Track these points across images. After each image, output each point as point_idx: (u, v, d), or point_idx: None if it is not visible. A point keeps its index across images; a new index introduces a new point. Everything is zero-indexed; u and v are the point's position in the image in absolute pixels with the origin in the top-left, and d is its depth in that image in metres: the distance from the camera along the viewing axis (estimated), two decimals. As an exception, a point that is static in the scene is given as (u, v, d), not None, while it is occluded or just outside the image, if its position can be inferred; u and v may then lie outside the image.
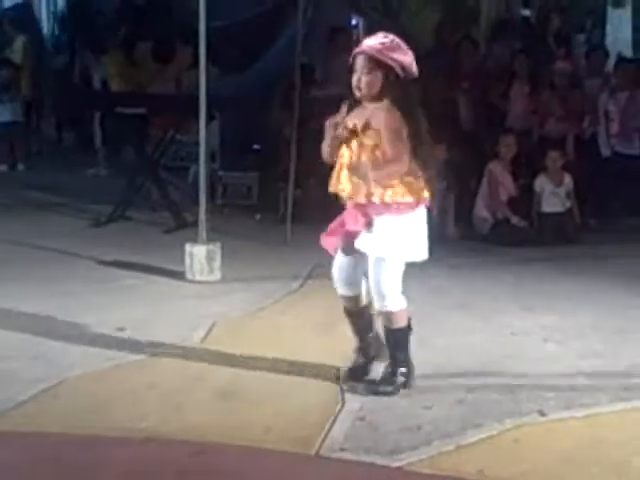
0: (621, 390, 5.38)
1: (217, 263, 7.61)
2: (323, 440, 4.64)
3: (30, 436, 4.70)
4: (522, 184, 9.74)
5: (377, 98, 5.18)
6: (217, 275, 7.63)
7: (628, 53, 14.45)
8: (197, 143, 7.96)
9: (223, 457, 4.55)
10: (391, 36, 5.23)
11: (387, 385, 5.26)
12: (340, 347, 5.81)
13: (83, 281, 7.51)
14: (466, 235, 9.46)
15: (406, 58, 5.19)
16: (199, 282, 7.52)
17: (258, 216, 10.02)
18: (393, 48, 5.16)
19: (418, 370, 5.48)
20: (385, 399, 5.17)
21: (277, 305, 6.99)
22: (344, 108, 5.26)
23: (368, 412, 4.99)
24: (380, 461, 4.46)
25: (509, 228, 9.36)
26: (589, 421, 4.99)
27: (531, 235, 9.38)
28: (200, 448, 4.55)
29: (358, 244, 5.19)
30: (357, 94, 5.20)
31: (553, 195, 9.60)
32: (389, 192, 5.11)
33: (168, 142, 10.15)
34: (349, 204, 5.24)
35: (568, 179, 9.63)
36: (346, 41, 12.16)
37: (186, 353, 5.87)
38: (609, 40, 16.13)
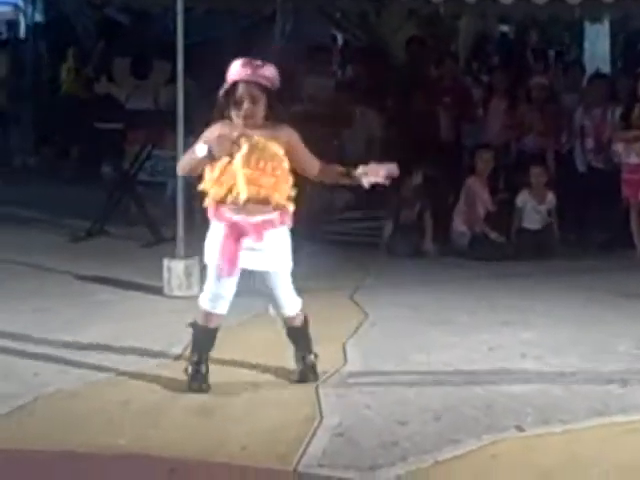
0: (599, 405, 5.38)
1: (195, 278, 7.58)
2: (301, 456, 4.62)
3: (5, 453, 4.65)
4: (500, 199, 9.76)
5: (262, 122, 5.28)
6: (195, 290, 7.58)
7: (606, 68, 14.55)
8: (174, 158, 7.93)
9: (200, 474, 4.52)
10: (251, 59, 5.30)
11: (307, 373, 5.65)
12: (318, 362, 5.79)
13: (59, 296, 7.47)
14: (444, 250, 9.45)
15: (275, 74, 5.31)
16: (177, 297, 7.49)
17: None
18: (260, 67, 5.26)
19: (398, 386, 5.48)
20: (363, 414, 5.15)
21: (255, 320, 6.95)
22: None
23: (346, 428, 4.97)
24: (358, 477, 4.44)
25: (487, 243, 9.37)
26: (567, 436, 4.98)
27: (509, 250, 9.39)
28: (177, 465, 4.52)
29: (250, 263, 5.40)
30: (246, 123, 5.24)
31: (535, 212, 9.63)
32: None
33: (146, 157, 10.13)
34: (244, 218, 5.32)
35: (551, 196, 9.64)
36: (324, 59, 12.21)
37: (162, 370, 5.83)
38: (587, 55, 16.24)
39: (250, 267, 5.40)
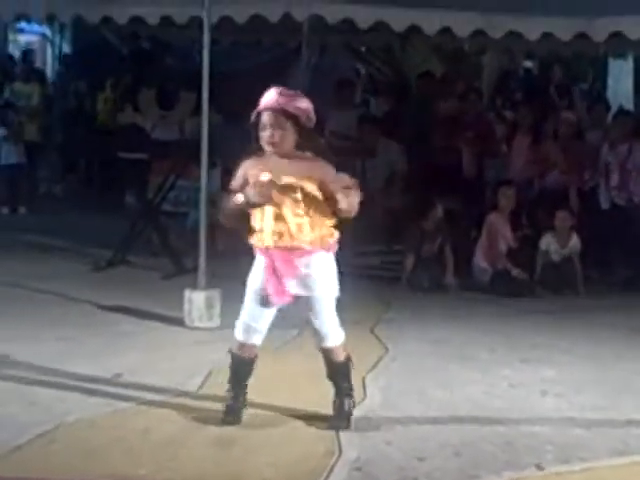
0: (620, 444, 5.35)
1: (216, 309, 7.60)
2: (319, 490, 4.62)
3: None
4: (522, 235, 9.74)
5: (292, 150, 5.28)
6: (216, 322, 7.61)
7: (629, 105, 14.54)
8: (198, 188, 7.98)
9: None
10: (283, 88, 5.35)
11: (338, 419, 5.44)
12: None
13: (81, 326, 7.50)
14: (465, 285, 9.44)
15: (309, 105, 5.32)
16: (198, 328, 7.50)
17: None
18: (295, 97, 5.29)
19: (418, 421, 5.47)
20: (382, 449, 5.15)
21: (275, 353, 6.96)
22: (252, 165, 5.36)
23: (364, 462, 4.96)
24: (376, 513, 4.44)
25: (509, 279, 9.35)
26: (587, 475, 4.96)
27: (531, 287, 9.36)
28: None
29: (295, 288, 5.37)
30: (272, 149, 5.26)
31: (558, 255, 9.59)
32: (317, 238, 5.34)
33: (169, 187, 10.18)
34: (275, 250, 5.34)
35: (575, 240, 9.59)
36: (348, 93, 12.28)
37: (183, 400, 5.84)
38: (610, 92, 16.23)
39: (294, 292, 5.37)
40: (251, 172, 5.34)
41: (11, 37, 18.45)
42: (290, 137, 5.25)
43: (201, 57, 8.01)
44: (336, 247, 5.45)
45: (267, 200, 5.22)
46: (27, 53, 16.73)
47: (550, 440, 5.35)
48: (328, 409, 5.60)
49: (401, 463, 4.98)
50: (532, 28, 8.97)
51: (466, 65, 15.42)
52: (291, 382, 6.26)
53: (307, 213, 5.28)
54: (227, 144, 9.29)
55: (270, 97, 5.27)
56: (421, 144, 11.48)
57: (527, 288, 9.31)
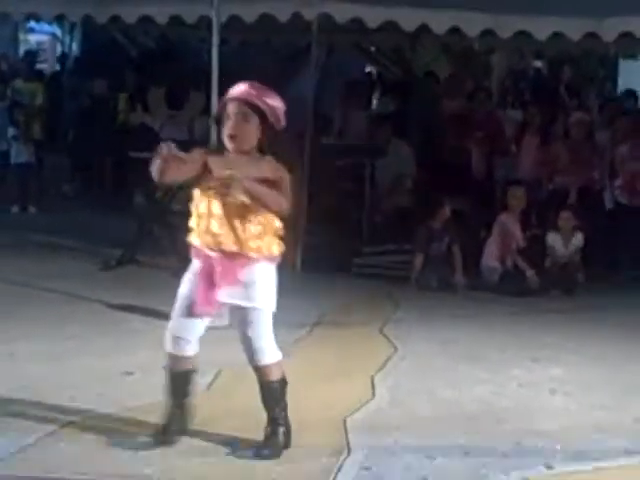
0: (628, 443, 5.36)
1: (225, 308, 7.58)
2: (328, 489, 4.63)
3: (34, 480, 4.69)
4: (532, 235, 9.73)
5: (252, 150, 4.89)
6: (225, 320, 7.59)
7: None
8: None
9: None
10: (255, 82, 4.94)
11: (269, 448, 4.98)
12: (346, 395, 5.80)
13: (91, 324, 7.51)
14: (474, 285, 9.43)
15: (279, 104, 4.91)
16: (206, 327, 7.49)
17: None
18: (265, 93, 4.89)
19: (427, 421, 5.47)
20: (391, 448, 5.15)
21: (284, 352, 6.91)
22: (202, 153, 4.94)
23: (373, 462, 4.96)
24: (385, 512, 4.45)
25: (518, 278, 9.33)
26: (596, 475, 4.97)
27: (541, 286, 9.34)
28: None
29: (231, 298, 4.99)
30: (231, 144, 4.85)
31: (561, 253, 9.58)
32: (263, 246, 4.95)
33: (178, 187, 10.17)
34: (216, 255, 4.94)
35: (578, 237, 9.59)
36: (359, 93, 12.31)
37: (192, 398, 5.84)
38: (620, 91, 16.20)
39: (228, 301, 5.02)
40: (211, 161, 4.89)
41: (21, 37, 18.48)
42: (254, 134, 4.83)
43: (210, 56, 8.02)
44: (280, 259, 5.05)
45: (226, 193, 4.81)
46: (29, 52, 16.76)
47: (559, 440, 5.35)
48: (338, 409, 5.61)
49: (409, 462, 4.99)
50: (541, 28, 8.96)
51: (475, 65, 15.42)
52: (299, 380, 6.25)
53: (257, 219, 4.87)
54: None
55: (239, 88, 4.87)
56: (428, 143, 11.50)
57: (537, 287, 9.29)
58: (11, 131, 13.00)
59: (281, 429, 5.04)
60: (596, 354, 7.21)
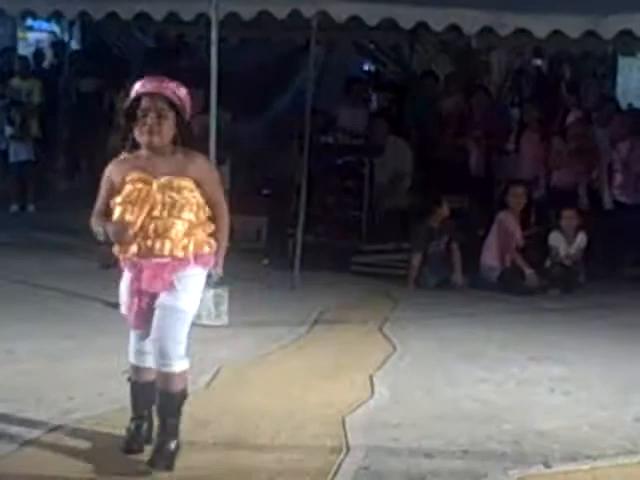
0: (628, 443, 5.36)
1: (224, 307, 7.60)
2: (327, 488, 4.63)
3: (32, 479, 4.68)
4: (531, 233, 9.72)
5: (168, 144, 4.72)
6: (224, 319, 7.62)
7: (638, 103, 14.50)
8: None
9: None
10: (162, 76, 4.80)
11: (160, 460, 4.74)
12: (345, 394, 5.80)
13: (90, 323, 7.51)
14: (473, 283, 9.43)
15: (186, 95, 4.79)
16: (206, 326, 7.50)
17: (266, 260, 10.01)
18: (176, 86, 4.75)
19: (426, 419, 5.47)
20: (389, 447, 5.15)
21: (283, 350, 6.99)
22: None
23: (372, 461, 4.96)
24: (383, 511, 4.45)
25: (518, 277, 9.33)
26: (594, 473, 4.97)
27: (541, 284, 9.34)
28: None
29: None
30: (151, 140, 4.64)
31: (565, 252, 9.56)
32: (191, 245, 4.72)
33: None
34: (141, 262, 4.71)
35: (581, 237, 9.58)
36: (358, 90, 12.31)
37: (191, 398, 5.84)
38: (620, 90, 16.20)
39: (152, 290, 4.72)
40: (117, 178, 4.72)
41: (20, 35, 18.43)
42: (171, 129, 4.68)
43: (208, 54, 8.02)
44: (211, 261, 4.84)
45: (124, 243, 4.65)
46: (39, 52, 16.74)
47: (558, 438, 5.35)
48: (337, 407, 5.61)
49: (408, 461, 4.99)
50: (540, 25, 8.93)
51: (474, 63, 15.42)
52: (298, 379, 6.27)
53: (183, 217, 4.66)
54: (236, 141, 9.33)
55: (150, 82, 4.69)
56: (426, 142, 11.50)
57: (537, 286, 9.29)
58: (9, 130, 12.99)
59: (173, 441, 4.79)
60: (595, 353, 7.21)
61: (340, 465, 4.89)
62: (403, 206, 10.57)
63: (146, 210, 4.64)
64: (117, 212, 4.70)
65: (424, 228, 9.50)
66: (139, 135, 4.67)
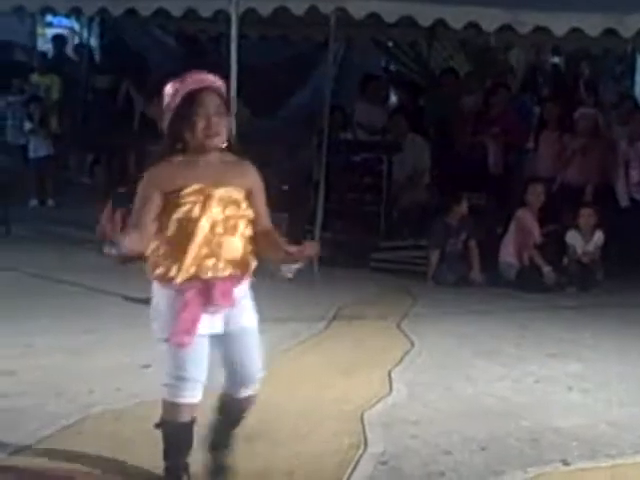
0: (646, 441, 5.35)
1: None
2: (345, 484, 4.64)
3: (51, 473, 4.71)
4: (548, 231, 9.70)
5: (221, 149, 4.23)
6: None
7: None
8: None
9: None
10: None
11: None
12: (364, 390, 5.81)
13: (109, 317, 7.54)
14: (491, 280, 9.43)
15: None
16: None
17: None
18: (219, 80, 4.24)
19: (444, 416, 5.48)
20: (408, 443, 5.16)
21: (302, 346, 7.00)
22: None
23: (390, 456, 4.98)
24: (402, 506, 4.46)
25: (536, 274, 9.32)
26: (613, 471, 4.96)
27: (559, 282, 9.32)
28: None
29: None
30: (210, 141, 4.13)
31: (582, 251, 9.54)
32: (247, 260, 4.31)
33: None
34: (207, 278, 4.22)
35: (599, 235, 9.56)
36: (377, 87, 12.32)
37: (211, 392, 5.86)
38: (638, 90, 16.15)
39: (215, 331, 4.33)
40: (168, 188, 4.13)
41: (40, 31, 18.49)
42: (226, 128, 4.21)
43: (228, 51, 8.04)
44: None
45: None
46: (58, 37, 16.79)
47: (576, 436, 5.35)
48: (356, 403, 5.63)
49: (427, 457, 5.00)
50: (559, 24, 8.94)
51: (493, 61, 15.40)
52: (316, 375, 6.28)
53: (241, 232, 4.25)
54: (256, 137, 9.32)
55: (203, 76, 4.17)
56: (445, 139, 11.50)
57: (554, 284, 9.28)
58: (28, 125, 13.05)
59: (228, 456, 4.60)
60: (613, 350, 7.21)
61: (358, 461, 4.90)
62: (421, 203, 10.57)
63: (208, 226, 4.14)
64: (173, 228, 4.16)
65: (442, 225, 9.50)
66: (195, 136, 4.10)
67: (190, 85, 4.10)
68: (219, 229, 4.16)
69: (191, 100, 4.08)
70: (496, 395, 6.04)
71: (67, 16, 15.41)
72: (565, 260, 9.54)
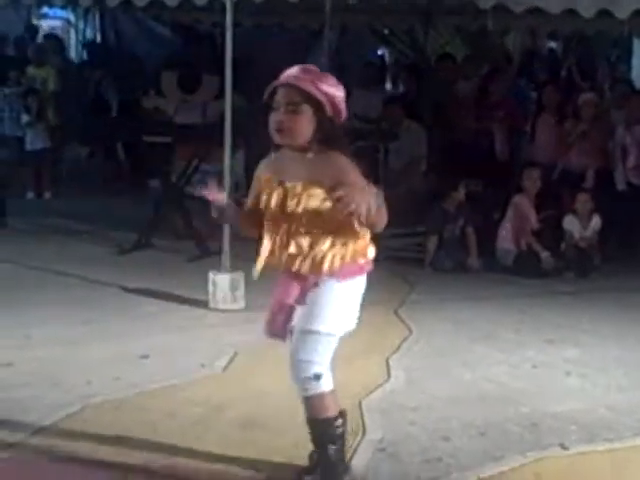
0: (644, 424, 5.36)
1: (240, 292, 7.62)
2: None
3: (50, 464, 4.70)
4: (546, 216, 9.69)
5: (308, 145, 4.19)
6: (240, 304, 7.64)
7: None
8: (222, 172, 8.00)
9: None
10: (312, 66, 4.30)
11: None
12: (362, 377, 5.81)
13: (107, 308, 7.54)
14: (489, 267, 9.43)
15: (338, 93, 4.24)
16: (222, 311, 7.53)
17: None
18: (322, 79, 4.19)
19: (442, 402, 5.49)
20: (406, 430, 5.16)
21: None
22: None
23: (389, 443, 4.98)
24: (400, 493, 4.47)
25: (533, 260, 9.32)
26: (611, 455, 4.97)
27: (556, 267, 9.32)
28: (219, 477, 4.55)
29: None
30: (281, 139, 4.18)
31: (580, 236, 9.53)
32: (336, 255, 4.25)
33: (193, 171, 10.21)
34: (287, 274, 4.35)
35: (596, 220, 9.55)
36: (373, 75, 12.30)
37: (208, 382, 5.88)
38: (635, 73, 16.15)
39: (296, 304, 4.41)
40: (264, 176, 4.32)
41: (35, 22, 18.47)
42: (307, 126, 4.12)
43: (223, 40, 8.01)
44: (357, 274, 4.41)
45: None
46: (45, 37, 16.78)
47: (574, 420, 5.36)
48: (353, 391, 5.62)
49: (425, 443, 5.00)
50: (554, 3, 8.90)
51: (490, 46, 15.38)
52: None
53: (320, 229, 4.19)
54: (251, 127, 9.30)
55: (291, 72, 4.19)
56: (442, 125, 11.48)
57: (552, 269, 9.28)
58: (25, 117, 13.03)
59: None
60: (612, 335, 7.20)
61: (357, 448, 4.90)
62: (418, 190, 10.56)
63: (284, 224, 4.22)
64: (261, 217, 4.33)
65: (439, 211, 9.50)
66: (271, 133, 4.18)
67: (279, 80, 4.18)
68: (294, 225, 4.20)
69: (271, 96, 4.18)
70: (494, 381, 6.04)
71: (63, 7, 15.39)
72: (563, 245, 9.54)
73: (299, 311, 4.37)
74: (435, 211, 9.53)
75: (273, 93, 4.17)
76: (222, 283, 7.62)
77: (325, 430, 4.42)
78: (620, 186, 10.23)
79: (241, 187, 10.93)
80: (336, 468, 4.45)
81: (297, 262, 4.25)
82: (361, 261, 4.37)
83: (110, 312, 7.43)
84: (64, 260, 9.07)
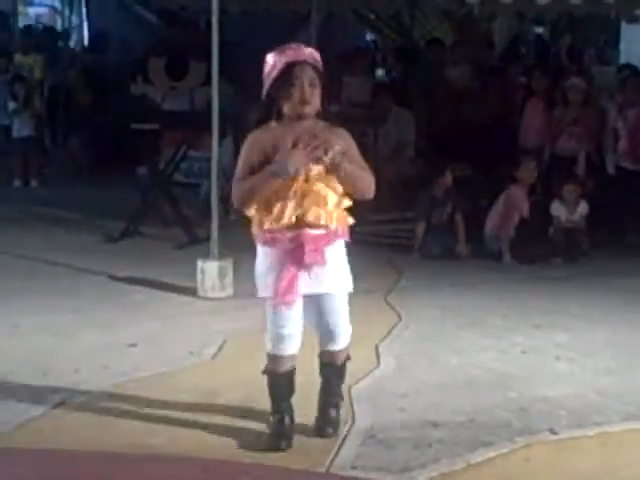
0: (634, 408, 5.36)
1: (229, 279, 7.61)
2: (333, 458, 4.64)
3: (39, 453, 4.70)
4: (535, 201, 9.68)
5: (317, 115, 4.62)
6: (229, 291, 7.63)
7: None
8: (210, 159, 7.98)
9: (234, 474, 4.54)
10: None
11: (328, 428, 4.91)
12: (351, 363, 5.79)
13: (95, 297, 7.53)
14: (477, 253, 9.43)
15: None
16: (211, 298, 7.52)
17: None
18: (317, 54, 4.63)
19: (431, 388, 5.49)
20: (396, 416, 5.16)
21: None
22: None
23: (378, 430, 4.98)
24: (390, 479, 4.45)
25: (521, 246, 9.31)
26: (601, 440, 4.97)
27: (544, 253, 9.32)
28: (211, 465, 4.55)
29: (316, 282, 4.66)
30: (304, 109, 4.53)
31: (567, 221, 9.53)
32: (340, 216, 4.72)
33: (180, 158, 10.19)
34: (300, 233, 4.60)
35: (583, 205, 9.53)
36: (362, 60, 12.27)
37: (197, 370, 5.87)
38: (623, 57, 16.15)
39: (310, 292, 4.67)
40: (268, 147, 4.53)
41: (20, 9, 18.41)
42: (318, 100, 4.56)
43: (210, 27, 7.98)
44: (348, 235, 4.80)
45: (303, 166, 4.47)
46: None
47: (564, 405, 5.36)
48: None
49: (415, 430, 5.00)
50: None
51: (477, 31, 15.36)
52: (303, 349, 6.25)
53: (334, 187, 4.62)
54: (239, 114, 9.29)
55: (300, 50, 4.55)
56: (430, 111, 11.47)
57: (540, 255, 9.27)
58: (12, 105, 12.99)
59: (337, 409, 5.01)
60: (600, 320, 7.21)
61: (347, 435, 4.91)
62: (407, 175, 10.54)
63: (301, 178, 4.51)
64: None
65: (427, 197, 9.49)
66: (291, 105, 4.51)
67: (289, 57, 4.50)
68: (311, 183, 4.53)
69: (289, 72, 4.48)
70: (483, 366, 6.04)
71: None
72: (551, 230, 9.53)
73: (317, 271, 4.63)
74: (423, 196, 9.52)
75: (289, 69, 4.48)
76: (211, 271, 7.60)
77: (345, 370, 5.00)
78: (610, 169, 10.24)
79: (229, 174, 10.91)
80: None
81: (320, 217, 4.57)
82: (349, 222, 4.81)
83: (98, 300, 7.41)
84: (52, 249, 9.05)
